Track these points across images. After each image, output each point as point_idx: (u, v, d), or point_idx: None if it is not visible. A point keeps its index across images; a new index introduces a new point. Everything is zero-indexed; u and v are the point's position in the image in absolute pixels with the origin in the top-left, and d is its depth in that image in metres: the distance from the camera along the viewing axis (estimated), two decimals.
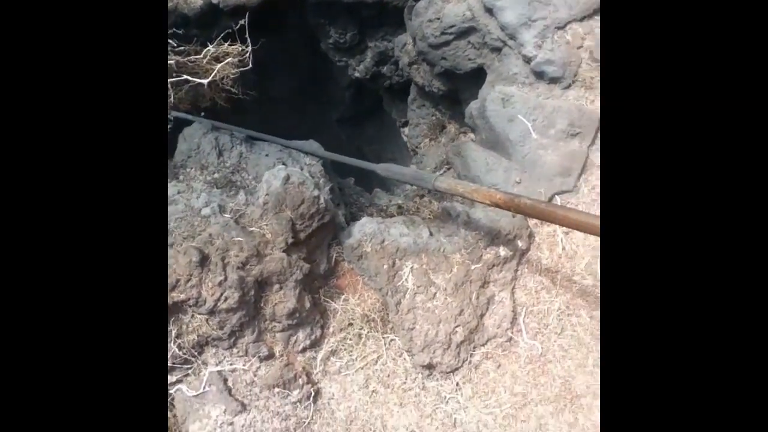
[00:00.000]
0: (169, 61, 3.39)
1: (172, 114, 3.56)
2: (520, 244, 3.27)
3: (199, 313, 2.65)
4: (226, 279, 2.63)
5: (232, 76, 3.63)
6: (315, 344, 3.04)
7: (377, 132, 7.29)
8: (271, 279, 2.80)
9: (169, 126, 3.39)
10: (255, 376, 2.84)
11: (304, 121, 7.22)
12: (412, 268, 3.12)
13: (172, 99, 3.43)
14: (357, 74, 5.81)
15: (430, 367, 3.12)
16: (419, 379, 3.14)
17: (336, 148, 3.68)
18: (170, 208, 2.79)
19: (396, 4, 4.98)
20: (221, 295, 2.63)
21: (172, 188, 2.95)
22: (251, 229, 2.78)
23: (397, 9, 5.00)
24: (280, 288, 2.84)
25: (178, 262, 2.57)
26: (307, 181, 2.90)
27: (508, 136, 3.54)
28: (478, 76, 4.08)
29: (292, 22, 5.94)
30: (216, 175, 3.13)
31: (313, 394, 2.95)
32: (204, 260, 2.61)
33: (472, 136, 4.26)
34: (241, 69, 3.63)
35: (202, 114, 3.72)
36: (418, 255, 3.14)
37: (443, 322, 3.07)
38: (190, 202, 2.81)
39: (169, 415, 2.86)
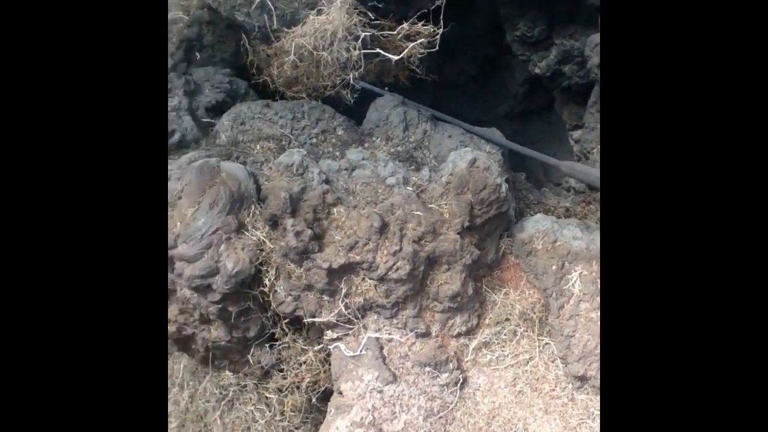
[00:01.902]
0: (364, 34, 3.46)
1: (360, 84, 3.64)
2: None
3: (370, 278, 2.71)
4: (401, 249, 2.66)
5: (419, 56, 3.64)
6: (470, 332, 3.01)
7: (541, 132, 7.06)
8: (442, 258, 2.80)
9: (355, 95, 3.48)
10: (409, 350, 2.86)
11: (472, 110, 7.15)
12: (580, 273, 2.98)
13: (362, 69, 3.52)
14: (537, 70, 5.64)
15: (583, 378, 2.98)
16: (569, 389, 3.01)
17: None
18: (357, 172, 2.87)
19: (592, 2, 4.76)
20: (394, 264, 2.67)
21: (358, 153, 3.03)
22: (431, 205, 2.78)
23: (592, 8, 4.78)
24: (448, 269, 2.83)
25: (360, 224, 2.64)
26: (492, 167, 2.86)
27: None
28: None
29: (482, 10, 5.87)
30: (399, 148, 3.17)
31: (461, 380, 2.93)
32: (383, 228, 2.65)
33: None
34: (429, 50, 3.63)
35: (386, 88, 3.79)
36: (589, 261, 3.00)
37: None
38: (377, 170, 2.87)
39: (321, 369, 2.97)
